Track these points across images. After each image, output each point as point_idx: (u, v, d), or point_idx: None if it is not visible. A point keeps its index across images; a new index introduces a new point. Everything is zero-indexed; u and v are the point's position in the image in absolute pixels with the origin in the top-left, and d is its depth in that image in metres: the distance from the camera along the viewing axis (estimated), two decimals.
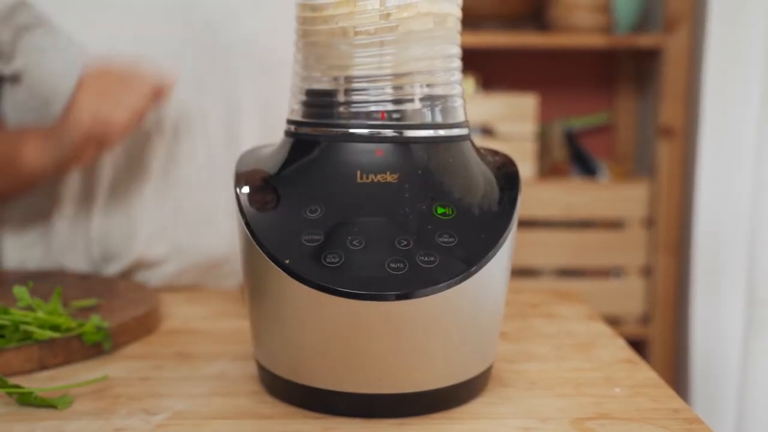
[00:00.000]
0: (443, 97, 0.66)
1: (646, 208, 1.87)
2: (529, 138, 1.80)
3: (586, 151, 2.03)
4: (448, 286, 0.58)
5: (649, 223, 1.88)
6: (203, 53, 1.00)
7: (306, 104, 0.67)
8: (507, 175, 0.67)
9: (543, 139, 1.99)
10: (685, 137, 1.85)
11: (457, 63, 0.67)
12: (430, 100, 0.65)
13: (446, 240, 0.59)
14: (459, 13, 0.67)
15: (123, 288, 0.91)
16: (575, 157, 2.01)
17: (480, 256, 0.59)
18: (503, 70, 1.98)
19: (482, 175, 0.65)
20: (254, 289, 0.64)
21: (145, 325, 0.81)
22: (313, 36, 0.65)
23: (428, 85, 0.65)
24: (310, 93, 0.66)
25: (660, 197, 1.85)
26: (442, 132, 0.65)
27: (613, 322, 1.86)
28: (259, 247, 0.61)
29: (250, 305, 0.66)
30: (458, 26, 0.67)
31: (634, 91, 2.12)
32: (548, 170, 1.96)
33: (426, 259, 0.58)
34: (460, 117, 0.67)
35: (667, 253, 1.87)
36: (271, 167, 0.66)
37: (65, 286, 0.88)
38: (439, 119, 0.65)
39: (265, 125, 1.04)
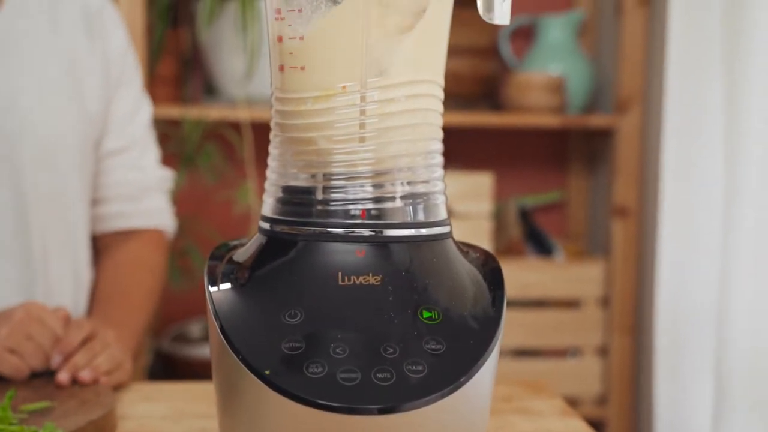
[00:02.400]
0: (425, 195, 0.64)
1: (601, 288, 1.87)
2: (486, 216, 1.79)
3: (541, 229, 2.03)
4: (437, 399, 0.55)
5: (605, 302, 1.87)
6: None
7: (282, 201, 0.64)
8: (491, 272, 0.65)
9: (498, 217, 1.98)
10: (639, 217, 1.86)
11: (439, 159, 0.65)
12: (411, 197, 0.63)
13: (433, 347, 0.57)
14: (441, 108, 0.65)
15: (77, 388, 0.85)
16: (530, 236, 2.01)
17: (469, 365, 0.57)
18: (458, 149, 1.98)
19: (467, 274, 0.63)
20: (227, 398, 0.61)
21: (101, 430, 0.76)
22: (290, 131, 0.63)
23: (409, 183, 0.63)
24: (287, 190, 0.64)
25: (615, 277, 1.85)
26: (424, 231, 0.63)
27: (570, 402, 1.84)
28: (235, 354, 0.57)
29: (221, 414, 0.62)
30: (440, 121, 0.65)
31: (586, 169, 2.13)
32: (504, 249, 1.96)
33: (413, 368, 0.55)
34: (442, 214, 0.65)
35: (622, 333, 1.86)
36: (245, 266, 0.63)
37: (15, 384, 0.83)
38: (420, 217, 0.63)
39: (56, 214, 1.03)
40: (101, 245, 1.13)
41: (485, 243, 1.79)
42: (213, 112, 1.68)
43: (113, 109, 1.09)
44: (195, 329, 1.92)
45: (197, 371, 1.76)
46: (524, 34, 2.06)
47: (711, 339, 1.42)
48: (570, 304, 1.88)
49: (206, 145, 1.70)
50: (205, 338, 1.87)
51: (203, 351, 1.79)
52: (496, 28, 1.91)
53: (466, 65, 1.87)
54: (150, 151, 1.14)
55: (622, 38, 1.84)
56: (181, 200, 1.21)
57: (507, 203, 2.01)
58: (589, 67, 1.96)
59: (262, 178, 1.81)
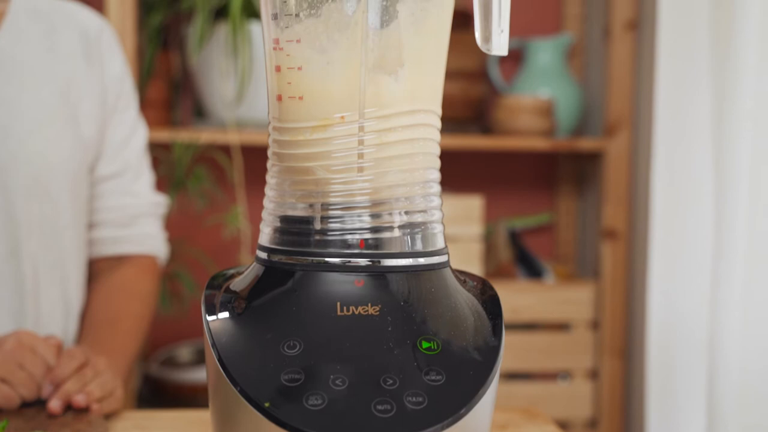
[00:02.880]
0: (423, 224, 0.64)
1: (591, 310, 1.87)
2: (476, 239, 1.79)
3: (531, 251, 2.03)
4: (438, 431, 0.54)
5: (595, 325, 1.87)
6: None
7: (279, 231, 0.64)
8: (489, 301, 0.65)
9: (488, 239, 1.99)
10: (628, 239, 1.87)
11: (437, 188, 0.65)
12: (409, 227, 0.63)
13: (433, 378, 0.57)
14: (438, 137, 0.65)
15: (69, 417, 0.85)
16: (520, 258, 2.01)
17: (470, 395, 0.56)
18: (448, 172, 1.98)
19: (466, 303, 0.63)
20: (224, 428, 0.60)
21: None
22: (288, 161, 0.63)
23: (407, 212, 0.63)
24: (284, 220, 0.64)
25: (605, 299, 1.86)
26: (422, 260, 0.63)
27: (561, 426, 1.84)
28: (233, 384, 0.57)
29: None
30: (437, 150, 0.65)
31: (575, 191, 2.14)
32: (494, 271, 1.96)
33: (414, 399, 0.55)
34: (440, 243, 0.65)
35: (613, 355, 1.86)
36: (243, 296, 0.63)
37: (7, 413, 0.82)
38: (419, 247, 0.63)
39: (47, 242, 1.02)
40: (94, 270, 1.12)
41: (476, 266, 1.79)
42: (203, 135, 1.68)
43: (109, 134, 1.09)
44: (184, 353, 1.91)
45: (186, 395, 1.75)
46: (513, 58, 2.07)
47: (703, 362, 1.43)
48: (560, 326, 1.88)
49: (196, 168, 1.69)
50: (194, 362, 1.86)
51: (192, 375, 1.78)
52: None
53: (456, 89, 1.88)
54: (144, 176, 1.14)
55: (610, 62, 1.85)
56: (170, 224, 1.20)
57: (497, 225, 2.01)
58: (578, 91, 1.97)
59: (252, 202, 1.82)
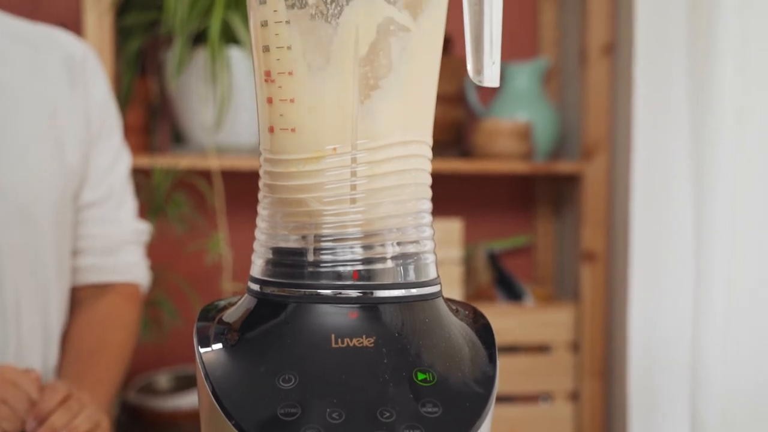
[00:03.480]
0: (415, 255, 0.64)
1: (571, 332, 1.88)
2: (456, 263, 1.80)
3: (510, 274, 2.04)
4: None
5: (575, 347, 1.88)
6: None
7: (272, 263, 0.64)
8: (482, 330, 0.65)
9: (468, 262, 1.99)
10: (607, 261, 1.88)
11: (428, 218, 0.65)
12: (402, 258, 0.63)
13: (430, 410, 0.56)
14: (429, 167, 0.66)
15: None
16: (499, 281, 2.02)
17: (467, 426, 0.56)
18: None
19: (460, 333, 0.63)
20: None
21: None
22: (280, 192, 0.63)
23: (399, 243, 0.63)
24: (277, 251, 0.63)
25: (584, 321, 1.86)
26: (414, 291, 0.63)
27: None
28: (228, 418, 0.57)
29: None
30: (429, 180, 0.65)
31: (552, 213, 2.15)
32: (474, 294, 1.96)
33: None
34: (432, 273, 0.65)
35: (593, 377, 1.87)
36: (236, 328, 0.63)
37: None
38: (411, 277, 0.63)
39: (29, 270, 1.01)
40: (76, 298, 1.11)
41: (456, 289, 1.79)
42: (183, 161, 1.67)
43: (93, 161, 1.08)
44: (162, 380, 1.89)
45: (165, 423, 1.74)
46: None
47: (685, 383, 1.44)
48: (540, 349, 1.88)
49: (176, 194, 1.69)
50: (173, 389, 1.85)
51: (171, 402, 1.76)
52: (462, 75, 1.93)
53: (435, 112, 1.89)
54: (128, 203, 1.13)
55: (586, 86, 1.87)
56: (151, 250, 1.20)
57: (476, 248, 2.02)
58: (555, 114, 1.99)
59: (233, 227, 1.81)
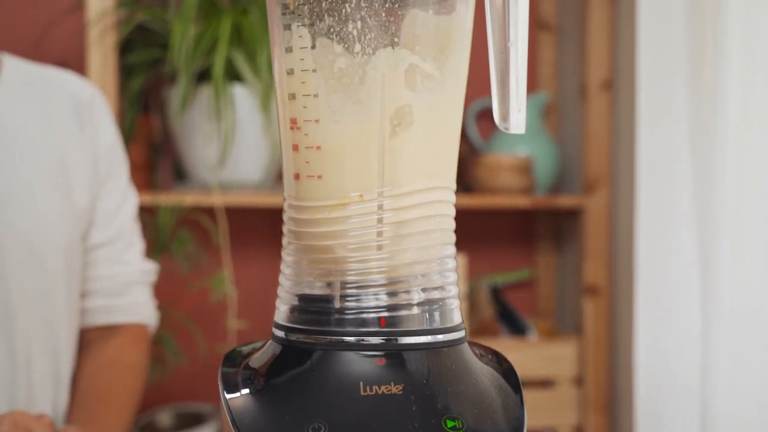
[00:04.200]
0: (440, 300, 0.64)
1: (575, 367, 1.87)
2: (462, 298, 1.79)
3: (513, 308, 2.03)
4: None
5: (579, 381, 1.88)
6: None
7: (297, 309, 0.64)
8: (508, 373, 0.65)
9: (471, 297, 1.99)
10: (610, 295, 1.88)
11: (452, 263, 0.66)
12: (427, 304, 0.63)
13: None
14: (453, 212, 0.66)
15: None
16: (502, 315, 2.01)
17: None
18: None
19: (487, 378, 0.63)
20: None
21: None
22: (306, 239, 0.63)
23: (424, 290, 0.63)
24: (302, 298, 0.63)
25: (588, 355, 1.86)
26: (440, 337, 0.63)
27: None
28: None
29: None
30: (453, 225, 0.66)
31: (553, 247, 2.16)
32: (477, 329, 1.96)
33: None
34: (457, 319, 0.65)
35: (597, 411, 1.86)
36: (262, 374, 0.62)
37: None
38: (437, 323, 0.63)
39: (40, 314, 1.01)
40: (85, 340, 1.11)
41: None
42: (187, 198, 1.67)
43: (101, 202, 1.08)
44: (164, 418, 1.88)
45: None
46: (489, 117, 2.10)
47: (694, 415, 1.43)
48: (544, 383, 1.88)
49: (180, 231, 1.69)
50: (174, 427, 1.83)
51: None
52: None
53: None
54: (135, 244, 1.13)
55: (587, 121, 1.88)
56: (155, 288, 1.20)
57: (479, 283, 2.02)
58: (554, 148, 2.00)
59: (238, 265, 1.81)
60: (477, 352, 0.67)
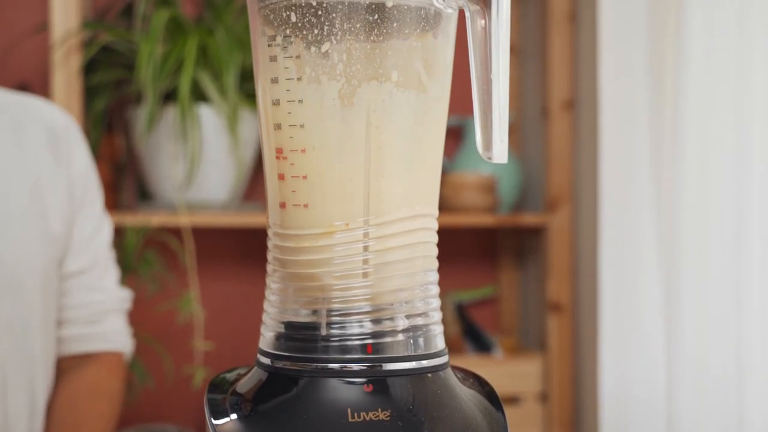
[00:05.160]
0: (424, 326, 0.65)
1: (540, 383, 1.90)
2: None
3: (478, 325, 2.05)
4: None
5: (544, 398, 1.90)
6: None
7: (283, 337, 0.64)
8: (489, 395, 0.67)
9: None
10: (573, 312, 1.91)
11: (435, 290, 0.67)
12: (412, 330, 0.64)
13: None
14: (436, 239, 0.67)
15: None
16: (467, 332, 2.03)
17: None
18: None
19: (472, 401, 0.64)
20: None
21: None
22: (292, 267, 0.64)
23: (408, 316, 0.64)
24: (288, 326, 0.64)
25: (552, 372, 1.88)
26: (425, 362, 0.64)
27: None
28: None
29: None
30: (436, 252, 0.67)
31: (516, 264, 2.18)
32: None
33: None
34: (440, 345, 0.66)
35: (562, 428, 1.88)
36: (248, 399, 0.63)
37: None
38: (421, 349, 0.64)
39: (15, 342, 1.01)
40: (60, 368, 1.10)
41: None
42: (154, 218, 1.67)
43: (76, 230, 1.08)
44: None
45: None
46: (452, 136, 2.12)
47: (658, 430, 1.46)
48: (510, 400, 1.89)
49: (146, 252, 1.68)
50: None
51: None
52: None
53: None
54: (110, 271, 1.13)
55: (549, 140, 1.91)
56: None
57: (444, 300, 2.03)
58: (518, 167, 2.02)
59: (205, 285, 1.80)
60: (459, 375, 0.69)
